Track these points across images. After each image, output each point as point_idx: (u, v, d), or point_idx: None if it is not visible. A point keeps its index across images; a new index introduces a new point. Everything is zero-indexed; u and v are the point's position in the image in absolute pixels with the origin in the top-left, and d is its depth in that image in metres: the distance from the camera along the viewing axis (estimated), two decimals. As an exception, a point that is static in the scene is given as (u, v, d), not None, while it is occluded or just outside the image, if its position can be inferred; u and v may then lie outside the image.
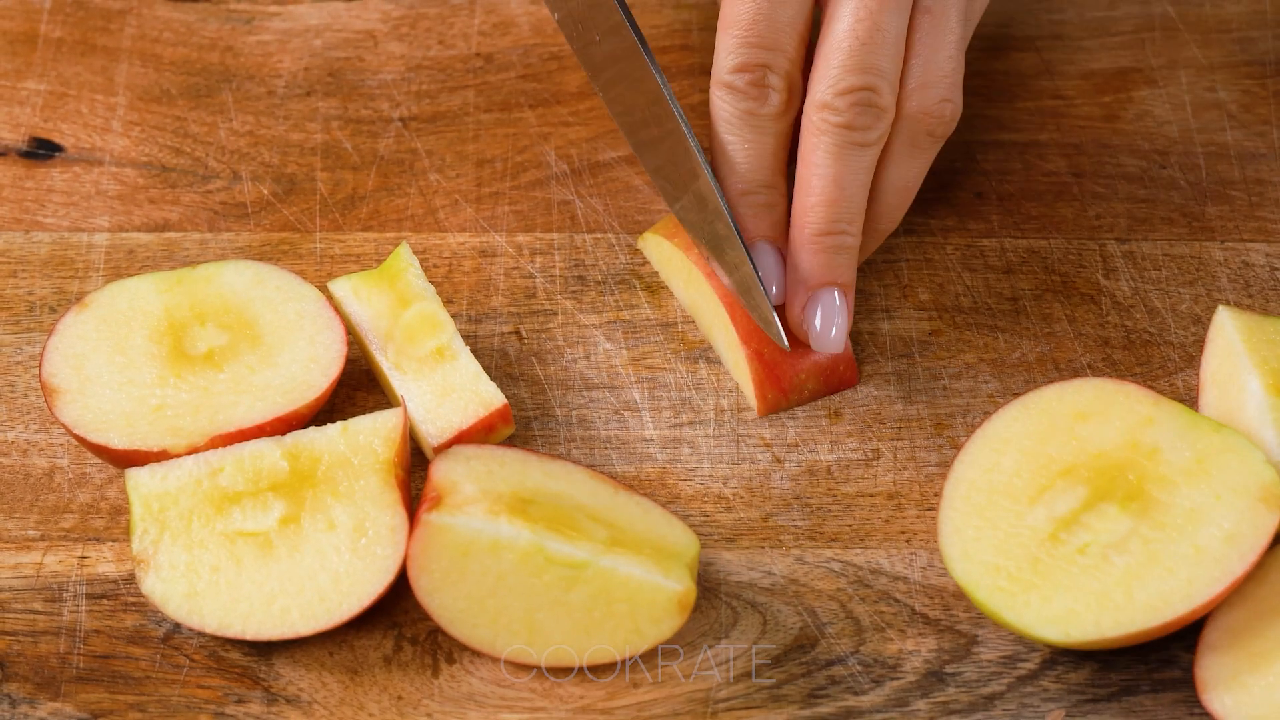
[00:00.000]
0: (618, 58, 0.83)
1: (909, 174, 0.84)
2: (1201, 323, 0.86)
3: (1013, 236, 0.90)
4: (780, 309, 0.83)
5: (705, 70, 0.95)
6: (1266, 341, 0.80)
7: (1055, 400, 0.79)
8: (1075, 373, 0.85)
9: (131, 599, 0.78)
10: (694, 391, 0.85)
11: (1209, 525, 0.75)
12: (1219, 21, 0.98)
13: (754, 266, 0.81)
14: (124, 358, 0.81)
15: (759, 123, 0.82)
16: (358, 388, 0.84)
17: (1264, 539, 0.74)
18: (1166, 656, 0.77)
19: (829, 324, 0.82)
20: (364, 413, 0.82)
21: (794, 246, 0.82)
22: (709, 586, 0.79)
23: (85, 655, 0.76)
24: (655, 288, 0.88)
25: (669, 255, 0.86)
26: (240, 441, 0.79)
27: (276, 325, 0.82)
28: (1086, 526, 0.76)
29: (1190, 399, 0.84)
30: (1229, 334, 0.81)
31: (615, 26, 0.83)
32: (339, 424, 0.78)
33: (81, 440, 0.79)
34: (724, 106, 0.82)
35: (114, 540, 0.80)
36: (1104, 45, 0.97)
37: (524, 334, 0.86)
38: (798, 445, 0.83)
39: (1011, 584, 0.75)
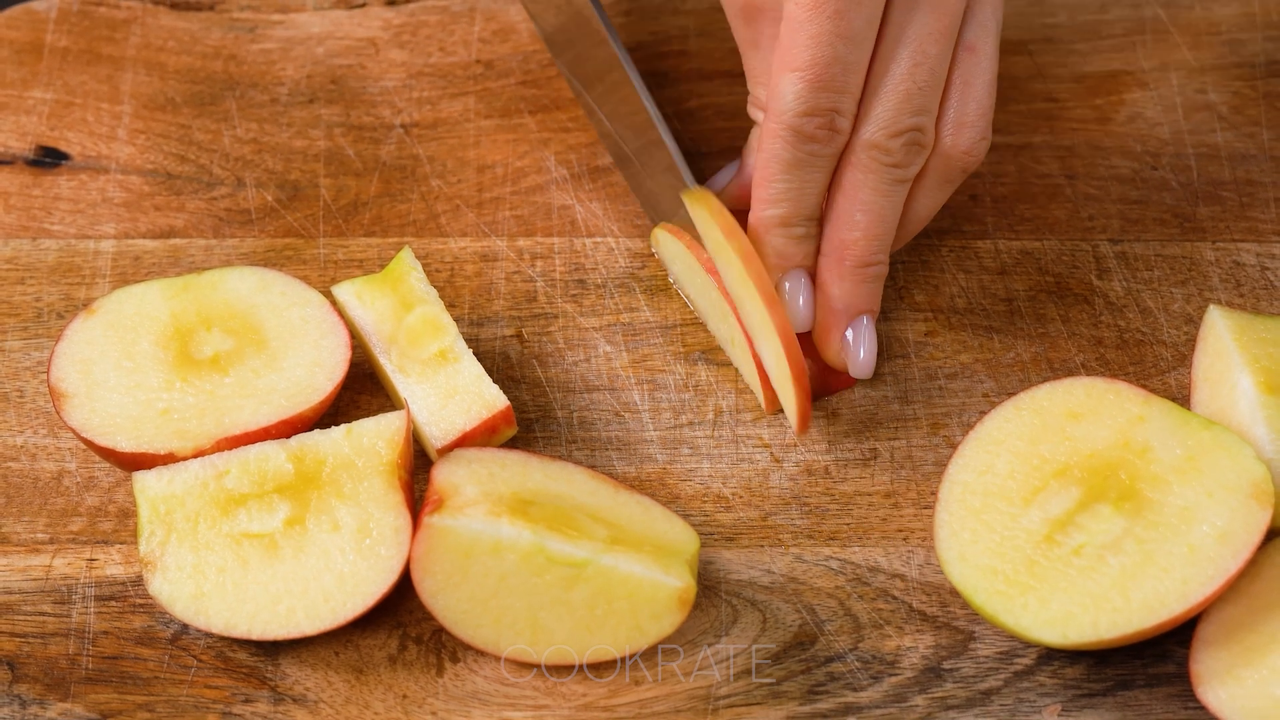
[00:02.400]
0: (603, 73, 0.84)
1: (936, 204, 0.85)
2: (1193, 322, 0.87)
3: (1007, 238, 0.90)
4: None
5: (703, 75, 0.96)
6: (1257, 340, 0.81)
7: (1047, 400, 0.80)
8: (1069, 372, 0.85)
9: (139, 600, 0.78)
10: (693, 393, 0.85)
11: (1202, 523, 0.75)
12: (1209, 24, 0.98)
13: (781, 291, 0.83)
14: (131, 362, 0.81)
15: (817, 163, 0.82)
16: (361, 391, 0.85)
17: (1256, 536, 0.75)
18: (1161, 651, 0.77)
19: (859, 349, 0.83)
20: (368, 415, 0.82)
21: (832, 276, 0.83)
22: (709, 585, 0.79)
23: (94, 656, 0.77)
24: (655, 290, 0.89)
25: (679, 253, 0.86)
26: (246, 444, 0.79)
27: (281, 330, 0.82)
28: (1081, 527, 0.76)
29: (1183, 397, 0.84)
30: (1220, 333, 0.81)
31: (599, 41, 0.83)
32: (343, 426, 0.79)
33: (89, 444, 0.80)
34: (784, 148, 0.81)
35: (122, 543, 0.80)
36: (1095, 48, 0.97)
37: (525, 337, 0.87)
38: (796, 445, 0.83)
39: (1009, 587, 0.76)
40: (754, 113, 0.86)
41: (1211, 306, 0.82)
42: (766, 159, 0.82)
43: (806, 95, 0.80)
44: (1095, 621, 0.74)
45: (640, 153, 0.85)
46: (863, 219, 0.82)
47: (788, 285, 0.83)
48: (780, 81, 0.80)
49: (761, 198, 0.82)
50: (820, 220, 0.83)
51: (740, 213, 0.85)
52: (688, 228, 0.86)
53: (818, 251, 0.84)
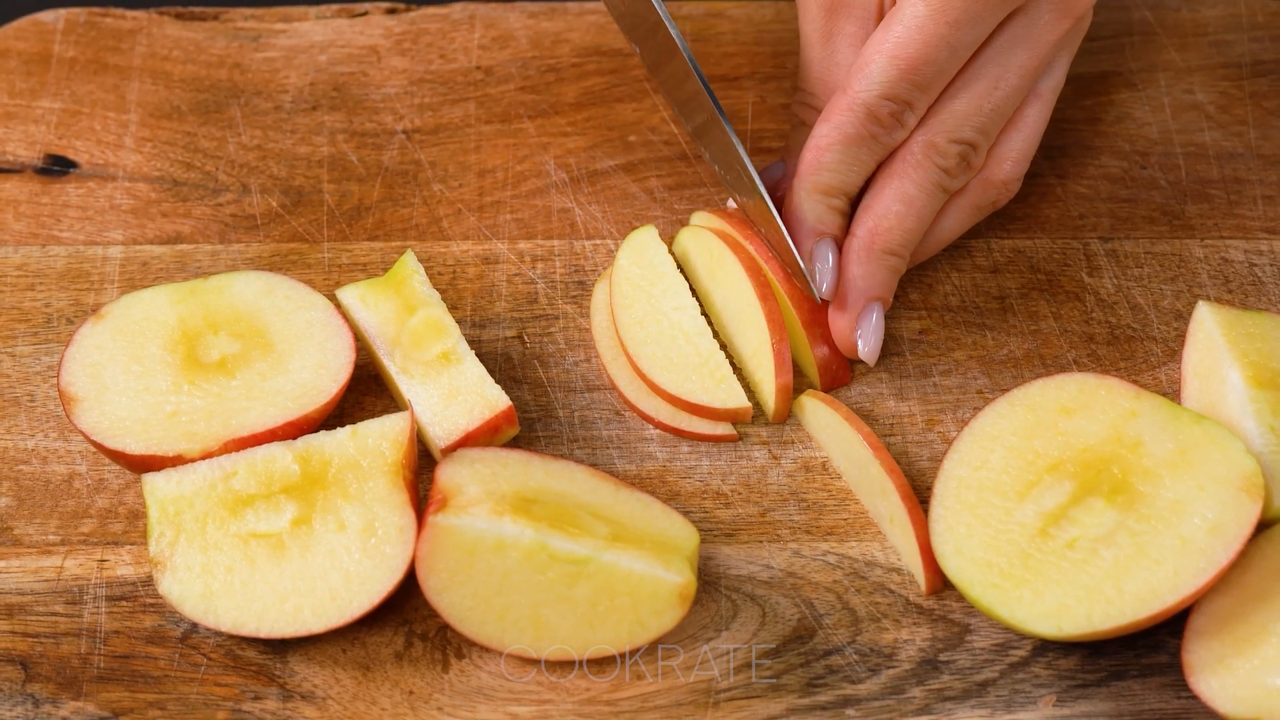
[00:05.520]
0: (664, 58, 0.85)
1: (959, 228, 0.87)
2: (1183, 318, 0.87)
3: (999, 237, 0.91)
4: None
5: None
6: (1245, 335, 0.81)
7: (1039, 396, 0.80)
8: (1061, 368, 0.85)
9: (150, 600, 0.79)
10: (692, 392, 0.86)
11: (1193, 516, 0.76)
12: (1196, 25, 0.99)
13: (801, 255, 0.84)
14: (139, 366, 0.82)
15: (874, 147, 0.83)
16: (366, 392, 0.85)
17: (1247, 528, 0.75)
18: (1154, 642, 0.77)
19: (868, 335, 0.84)
20: (372, 416, 0.83)
21: (857, 257, 0.84)
22: (709, 581, 0.79)
23: (105, 655, 0.77)
24: (654, 291, 0.89)
25: (710, 250, 0.86)
26: (253, 446, 0.80)
27: (287, 333, 0.83)
28: (1074, 521, 0.77)
29: (1173, 392, 0.85)
30: (1209, 329, 0.82)
31: (655, 26, 0.84)
32: (348, 428, 0.79)
33: (99, 446, 0.80)
34: (850, 121, 0.83)
35: (132, 544, 0.80)
36: (1085, 50, 0.97)
37: (526, 338, 0.87)
38: (794, 442, 0.84)
39: (1004, 580, 0.76)
40: (802, 111, 0.87)
41: (1200, 303, 0.83)
42: (828, 129, 0.83)
43: (894, 81, 0.82)
44: (1089, 613, 0.75)
45: (707, 128, 0.86)
46: (899, 209, 0.83)
47: (817, 251, 0.84)
48: (873, 60, 0.82)
49: (810, 162, 0.84)
50: (855, 204, 0.85)
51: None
52: (746, 209, 0.86)
53: (845, 232, 0.85)
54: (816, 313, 0.84)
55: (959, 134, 0.83)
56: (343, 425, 0.80)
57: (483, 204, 0.92)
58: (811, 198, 0.84)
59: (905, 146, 0.84)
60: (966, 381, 0.86)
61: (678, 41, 0.82)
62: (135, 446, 0.80)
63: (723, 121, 0.82)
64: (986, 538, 0.77)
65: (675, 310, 0.85)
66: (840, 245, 0.85)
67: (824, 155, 0.83)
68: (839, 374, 0.85)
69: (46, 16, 0.99)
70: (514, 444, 0.83)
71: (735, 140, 0.82)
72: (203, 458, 0.80)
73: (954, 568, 0.77)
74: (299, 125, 0.95)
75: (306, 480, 0.79)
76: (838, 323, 0.84)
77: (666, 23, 0.82)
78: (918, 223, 0.84)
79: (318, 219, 0.91)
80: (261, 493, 0.78)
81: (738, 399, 0.83)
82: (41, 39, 0.98)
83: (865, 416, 0.84)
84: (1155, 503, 0.76)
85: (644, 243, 0.87)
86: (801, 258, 0.84)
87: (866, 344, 0.84)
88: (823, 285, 0.84)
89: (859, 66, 0.83)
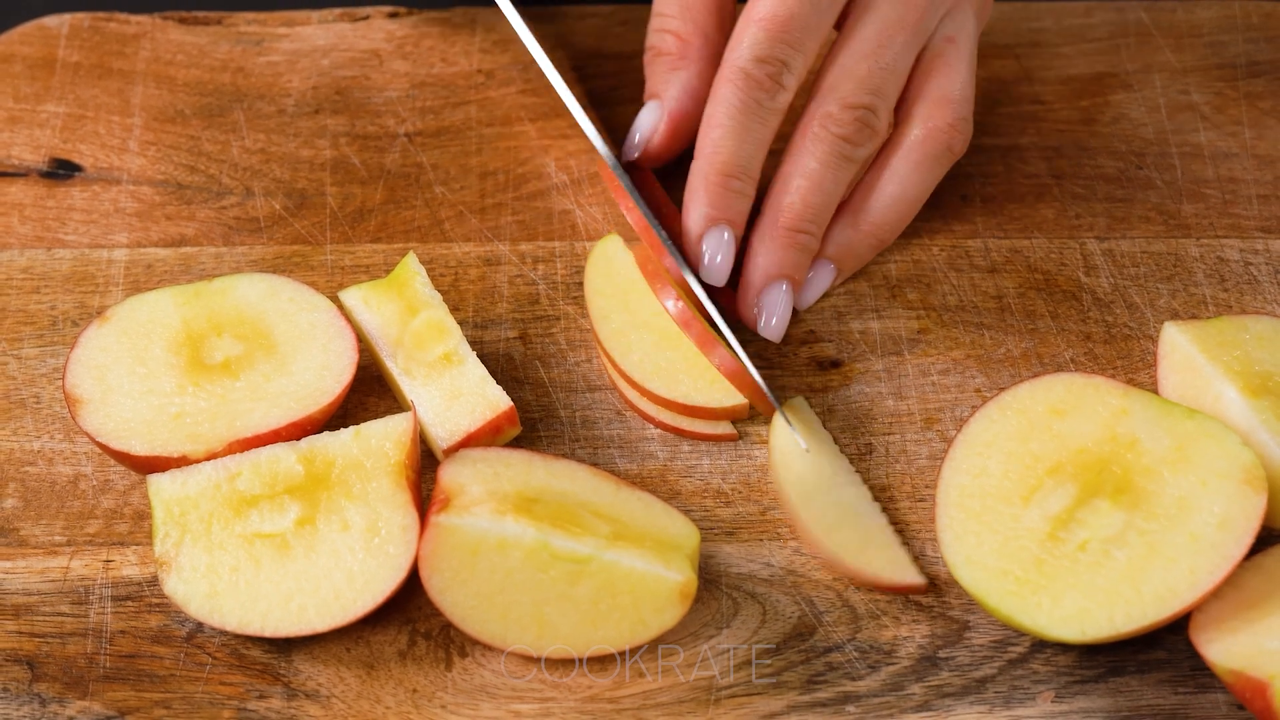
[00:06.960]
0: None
1: (922, 184, 0.87)
2: (1179, 317, 0.87)
3: (996, 237, 0.91)
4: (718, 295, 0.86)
5: (698, 82, 0.97)
6: (1219, 346, 0.81)
7: (1029, 399, 0.80)
8: (1059, 367, 0.86)
9: (155, 600, 0.79)
10: (693, 392, 0.86)
11: (1200, 512, 0.76)
12: (1191, 26, 0.99)
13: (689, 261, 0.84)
14: (144, 368, 0.82)
15: (762, 114, 0.84)
16: (369, 393, 0.85)
17: (1255, 522, 0.75)
18: (1152, 638, 0.78)
19: (772, 313, 0.84)
20: (375, 417, 0.83)
21: (762, 236, 0.85)
22: (710, 579, 0.80)
23: (111, 655, 0.78)
24: (654, 292, 0.89)
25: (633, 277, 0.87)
26: (257, 447, 0.80)
27: (290, 334, 0.83)
28: (1082, 523, 0.77)
29: (1168, 390, 0.85)
30: (1186, 349, 0.81)
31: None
32: (351, 428, 0.80)
33: (104, 448, 0.81)
34: (733, 92, 0.84)
35: (137, 544, 0.81)
36: (1081, 51, 0.98)
37: (528, 339, 0.88)
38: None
39: (1020, 587, 0.76)
40: (657, 39, 0.88)
41: (1167, 325, 0.82)
42: (713, 105, 0.84)
43: (761, 42, 0.83)
44: (1111, 616, 0.74)
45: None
46: (803, 184, 0.84)
47: (709, 239, 0.84)
48: (742, 31, 0.83)
49: (704, 144, 0.84)
50: (759, 187, 0.85)
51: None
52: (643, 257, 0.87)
53: (751, 217, 0.86)
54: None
55: (854, 99, 0.84)
56: (346, 426, 0.81)
57: (484, 206, 0.92)
58: (710, 182, 0.84)
59: (803, 121, 0.84)
60: (964, 380, 0.86)
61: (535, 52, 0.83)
62: (140, 448, 0.80)
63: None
64: (996, 545, 0.77)
65: (654, 316, 0.85)
66: (740, 230, 0.85)
67: (712, 133, 0.84)
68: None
69: (51, 21, 0.99)
70: (516, 444, 0.84)
71: (586, 121, 0.83)
72: (207, 459, 0.80)
73: (969, 578, 0.76)
74: (302, 129, 0.95)
75: (310, 481, 0.79)
76: (744, 301, 0.85)
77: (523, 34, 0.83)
78: (823, 197, 0.84)
79: (320, 221, 0.92)
80: (266, 493, 0.79)
81: (732, 396, 0.83)
82: (46, 44, 0.99)
83: (864, 415, 0.85)
84: (1160, 500, 0.76)
85: (610, 254, 0.87)
86: (691, 250, 0.84)
87: (769, 322, 0.84)
88: (713, 272, 0.84)
89: (733, 40, 0.84)
